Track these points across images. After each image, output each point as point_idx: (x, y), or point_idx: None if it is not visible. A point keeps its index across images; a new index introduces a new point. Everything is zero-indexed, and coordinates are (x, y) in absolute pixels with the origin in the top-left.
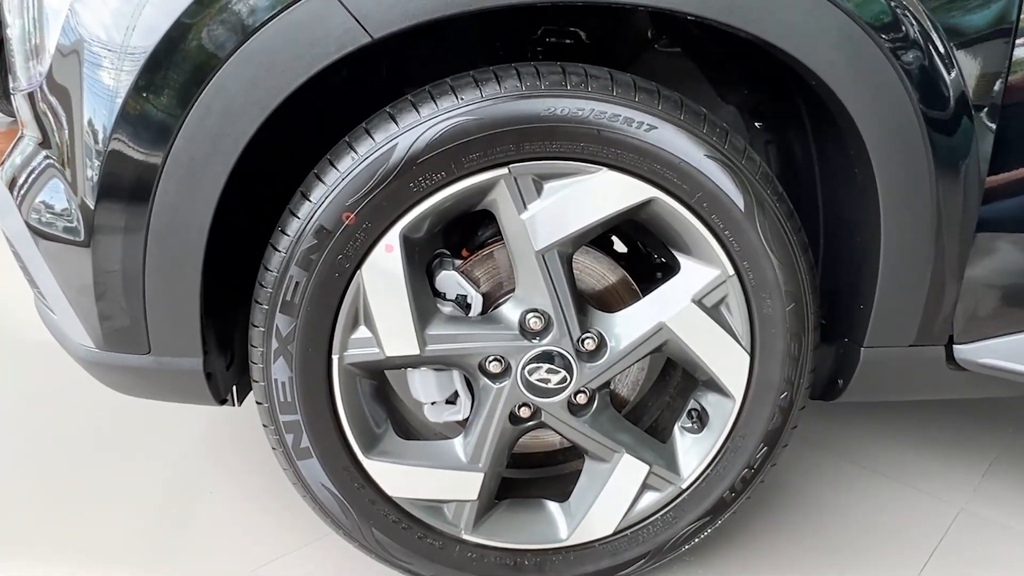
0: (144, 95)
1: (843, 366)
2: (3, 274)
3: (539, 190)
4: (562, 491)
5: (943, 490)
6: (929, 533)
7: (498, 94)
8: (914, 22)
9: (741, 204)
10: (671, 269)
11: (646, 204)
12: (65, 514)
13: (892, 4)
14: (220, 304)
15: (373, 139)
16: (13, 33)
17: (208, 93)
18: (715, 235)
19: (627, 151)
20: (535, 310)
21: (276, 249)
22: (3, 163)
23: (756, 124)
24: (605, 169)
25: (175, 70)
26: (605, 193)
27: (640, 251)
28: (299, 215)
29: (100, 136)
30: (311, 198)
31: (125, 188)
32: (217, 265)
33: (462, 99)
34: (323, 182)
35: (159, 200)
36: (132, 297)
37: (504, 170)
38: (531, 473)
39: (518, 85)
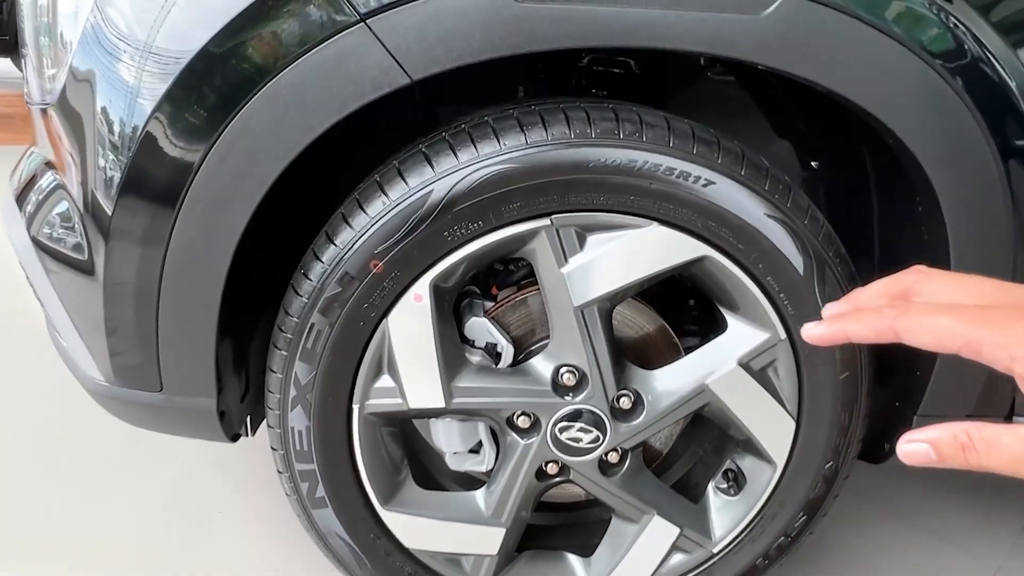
0: (164, 130)
1: (892, 430)
2: None
3: (582, 243)
4: (585, 542)
5: (981, 546)
6: None
7: (544, 141)
8: (1001, 79)
9: (800, 267)
10: (708, 319)
11: (696, 261)
12: (62, 523)
13: (980, 62)
14: (235, 330)
15: (406, 183)
16: (28, 45)
17: (232, 131)
18: (769, 297)
19: (681, 207)
20: (569, 366)
21: (297, 294)
22: (12, 175)
23: (812, 163)
24: (655, 224)
25: (196, 104)
26: (654, 249)
27: (676, 299)
28: (323, 259)
29: (114, 170)
30: (336, 242)
31: (139, 226)
32: (234, 291)
33: (505, 144)
34: (350, 226)
35: (176, 240)
36: (144, 335)
37: (546, 221)
38: (552, 519)
39: (566, 132)
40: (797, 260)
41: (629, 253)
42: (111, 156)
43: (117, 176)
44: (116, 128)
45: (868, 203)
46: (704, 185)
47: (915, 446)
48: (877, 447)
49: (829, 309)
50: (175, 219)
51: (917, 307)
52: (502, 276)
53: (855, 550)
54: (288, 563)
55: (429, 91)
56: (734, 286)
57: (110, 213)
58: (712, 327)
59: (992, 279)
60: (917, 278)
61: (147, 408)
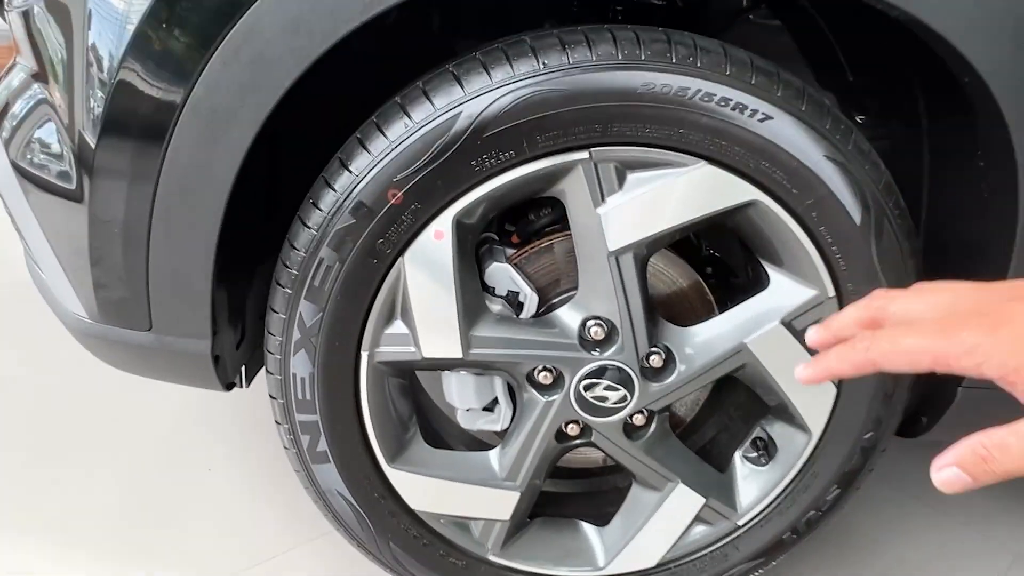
0: (160, 24)
1: (932, 403)
2: None
3: (621, 181)
4: (599, 511)
5: (1003, 532)
6: None
7: (588, 61)
8: None
9: (857, 217)
10: (734, 274)
11: (744, 207)
12: (42, 492)
13: None
14: (234, 268)
15: (432, 104)
16: None
17: (238, 32)
18: (820, 250)
19: (734, 143)
20: (598, 318)
21: (305, 225)
22: None
23: (858, 118)
24: (703, 163)
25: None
26: (701, 191)
27: (702, 250)
28: (335, 187)
29: (104, 70)
30: (351, 168)
31: (131, 136)
32: (235, 223)
33: (544, 64)
34: (367, 150)
35: (171, 157)
36: (134, 265)
37: (584, 154)
38: (566, 486)
39: (613, 52)
40: (854, 209)
41: (673, 194)
42: (102, 56)
43: (107, 78)
44: (105, 30)
45: (918, 160)
46: (761, 119)
47: (948, 472)
48: (914, 420)
49: (811, 335)
50: (172, 131)
51: (884, 335)
52: (522, 224)
53: (873, 533)
54: (279, 524)
55: (448, 23)
56: (782, 236)
57: (98, 129)
58: (727, 286)
59: (945, 283)
60: (881, 303)
61: (134, 349)
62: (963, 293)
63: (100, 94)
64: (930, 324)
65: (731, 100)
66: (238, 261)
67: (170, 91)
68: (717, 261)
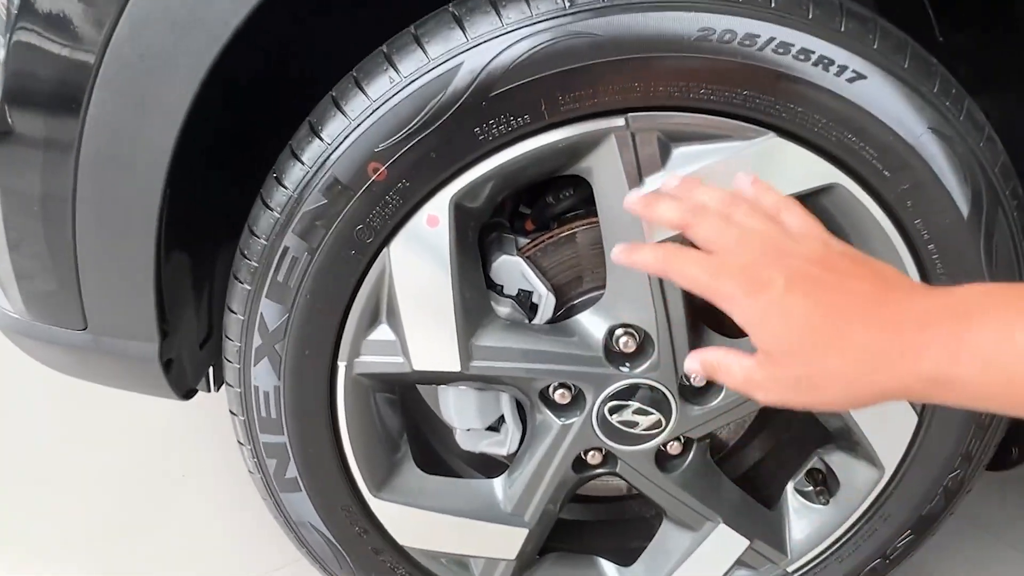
0: None
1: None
2: None
3: (664, 157)
4: (622, 545)
5: None
6: None
7: None
8: None
9: (965, 207)
10: None
11: (818, 193)
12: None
13: None
14: (192, 254)
15: (425, 53)
16: None
17: None
18: (912, 249)
19: (814, 110)
20: (628, 326)
21: (267, 206)
22: None
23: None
24: (772, 135)
25: None
26: (768, 171)
27: None
28: (303, 159)
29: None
30: (323, 135)
31: (42, 92)
32: (190, 189)
33: (571, 1)
34: (343, 112)
35: (93, 115)
36: (58, 251)
37: (619, 120)
38: (583, 513)
39: None
40: (962, 198)
41: (732, 175)
42: None
43: (5, 24)
44: None
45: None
46: (850, 79)
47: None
48: (1002, 451)
49: (629, 198)
50: (92, 84)
51: (678, 256)
52: (538, 207)
53: (939, 568)
54: (259, 545)
55: None
56: (864, 231)
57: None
58: None
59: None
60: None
61: (69, 351)
62: (791, 236)
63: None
64: (717, 260)
65: (813, 53)
66: (197, 245)
67: (85, 34)
68: None
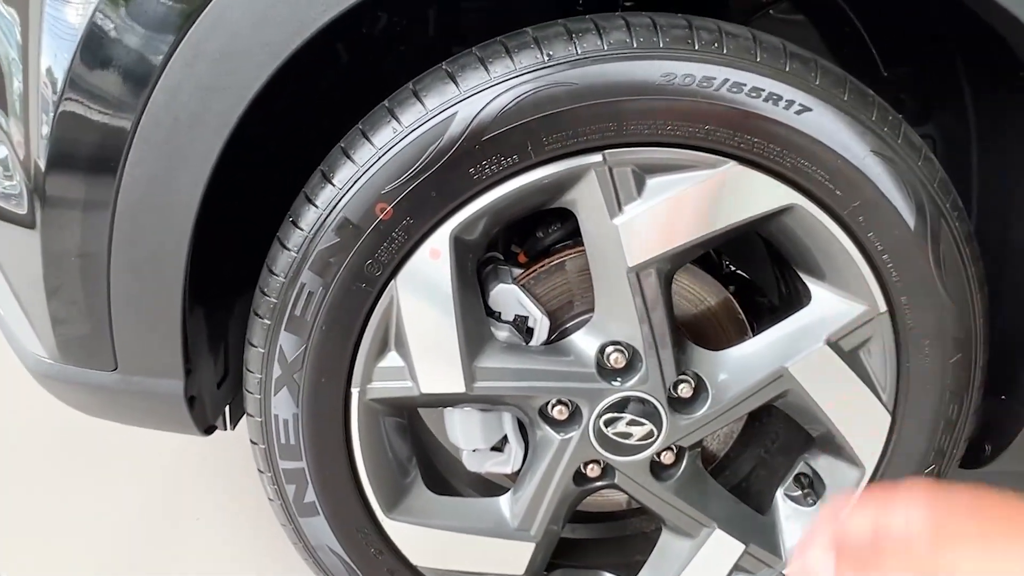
0: (111, 27)
1: (996, 429)
2: None
3: (640, 187)
4: (625, 559)
5: None
6: None
7: (600, 51)
8: None
9: (911, 220)
10: (761, 293)
11: (780, 213)
12: (29, 535)
13: None
14: (211, 298)
15: (423, 105)
16: None
17: (200, 28)
18: (869, 259)
19: (768, 140)
20: (618, 343)
21: (284, 247)
22: None
23: None
24: (733, 163)
25: None
26: (731, 196)
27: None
28: (317, 203)
29: (53, 82)
30: (334, 181)
31: (84, 153)
32: (211, 245)
33: (549, 55)
34: (352, 160)
35: (130, 172)
36: (93, 298)
37: (597, 157)
38: (586, 532)
39: (627, 40)
40: (907, 211)
41: (700, 200)
42: (50, 67)
43: (55, 92)
44: (52, 32)
45: (965, 159)
46: (798, 112)
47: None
48: (977, 448)
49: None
50: (129, 144)
51: None
52: (531, 241)
53: None
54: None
55: (446, 29)
56: (825, 245)
57: (46, 140)
58: (754, 308)
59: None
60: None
61: (99, 391)
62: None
63: (45, 115)
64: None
65: (763, 90)
66: (216, 290)
67: (124, 100)
68: (741, 280)
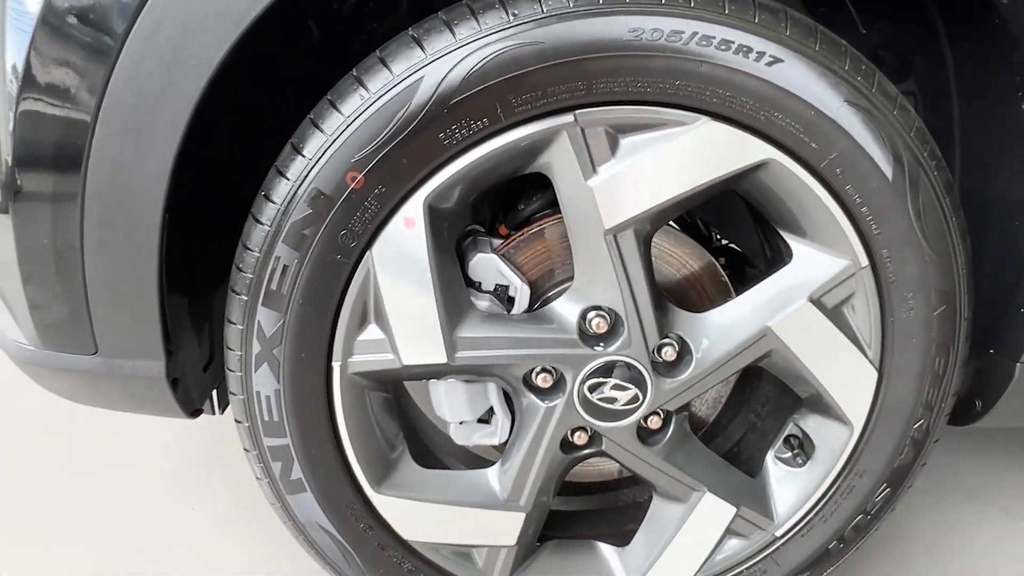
0: (66, 7)
1: (986, 384)
2: None
3: (614, 147)
4: (618, 529)
5: None
6: None
7: (565, 8)
8: None
9: (889, 171)
10: (751, 264)
11: (756, 169)
12: (26, 527)
13: None
14: (192, 279)
15: (390, 71)
16: None
17: (156, 2)
18: (848, 213)
19: (739, 93)
20: (599, 308)
21: (258, 221)
22: None
23: None
24: (706, 118)
25: None
26: (705, 152)
27: (712, 240)
28: (288, 175)
29: (11, 68)
30: (304, 152)
31: (47, 137)
32: (191, 226)
33: (515, 15)
34: (321, 130)
35: (96, 152)
36: (69, 281)
37: (568, 117)
38: (579, 504)
39: None
40: (884, 162)
41: (674, 158)
42: (8, 53)
43: (14, 76)
44: (12, 18)
45: (947, 111)
46: (769, 63)
47: None
48: (966, 405)
49: None
50: (93, 124)
51: None
52: (512, 214)
53: (928, 539)
54: (269, 562)
55: (419, 5)
56: (803, 200)
57: (11, 126)
58: (744, 279)
59: None
60: None
61: (81, 376)
62: None
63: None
64: None
65: (733, 42)
66: (197, 273)
67: (85, 79)
68: (731, 252)
